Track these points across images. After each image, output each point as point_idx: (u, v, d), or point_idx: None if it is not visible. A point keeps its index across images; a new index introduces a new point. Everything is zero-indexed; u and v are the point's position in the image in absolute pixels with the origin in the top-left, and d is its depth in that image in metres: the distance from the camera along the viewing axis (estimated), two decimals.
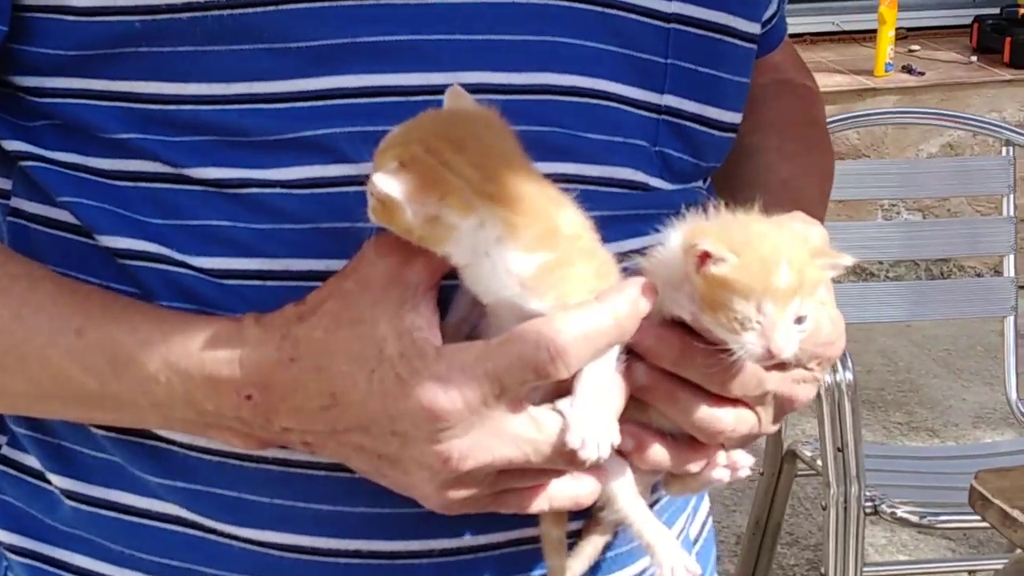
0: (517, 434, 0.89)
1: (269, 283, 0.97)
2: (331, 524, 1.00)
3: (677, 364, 0.93)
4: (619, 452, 0.94)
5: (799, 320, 0.90)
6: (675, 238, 0.94)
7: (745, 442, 1.00)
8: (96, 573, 1.06)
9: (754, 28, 1.12)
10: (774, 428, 1.01)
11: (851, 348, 5.41)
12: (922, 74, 5.73)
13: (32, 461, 1.07)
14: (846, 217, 5.39)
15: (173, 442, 1.00)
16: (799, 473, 3.31)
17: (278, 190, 0.97)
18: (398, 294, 0.89)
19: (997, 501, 1.98)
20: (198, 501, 1.02)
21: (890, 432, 4.63)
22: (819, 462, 2.95)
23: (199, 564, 1.03)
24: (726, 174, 1.19)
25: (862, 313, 3.59)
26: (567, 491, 0.94)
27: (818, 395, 2.86)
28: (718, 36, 1.09)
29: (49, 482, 1.06)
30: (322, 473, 0.99)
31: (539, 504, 0.94)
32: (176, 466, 1.01)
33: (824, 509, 2.90)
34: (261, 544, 1.01)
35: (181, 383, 0.92)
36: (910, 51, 6.00)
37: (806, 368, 0.98)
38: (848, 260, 0.94)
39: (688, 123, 1.08)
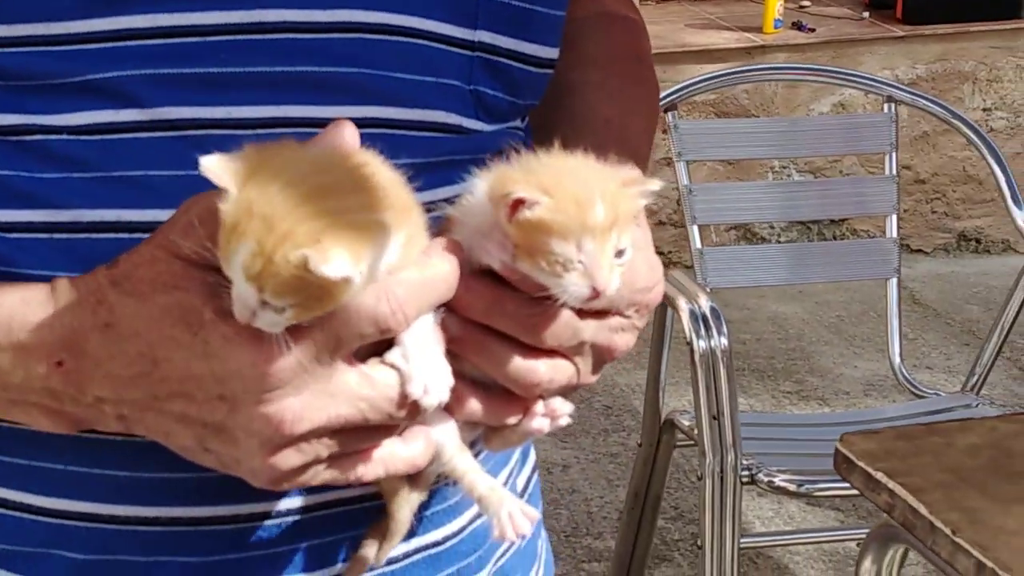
0: (352, 391, 0.88)
1: (57, 236, 0.95)
2: (129, 491, 0.99)
3: (488, 315, 0.94)
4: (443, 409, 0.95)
5: (619, 254, 0.91)
6: (481, 186, 0.94)
7: (564, 392, 0.99)
8: None
9: None
10: (593, 379, 1.01)
11: (741, 315, 5.54)
12: (813, 31, 5.78)
13: None
14: (735, 178, 5.46)
15: None
16: (680, 444, 3.33)
17: (65, 136, 0.95)
18: (210, 263, 0.87)
19: (861, 463, 1.99)
20: (8, 475, 1.00)
21: (779, 402, 4.68)
22: (696, 432, 2.97)
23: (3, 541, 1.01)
24: (545, 113, 1.19)
25: (749, 276, 3.67)
26: (401, 454, 0.93)
27: (692, 361, 2.89)
28: None
29: None
30: (118, 438, 0.96)
31: (374, 470, 0.93)
32: None
33: (700, 479, 2.93)
34: (55, 513, 0.99)
35: None
36: (801, 7, 6.08)
37: (624, 316, 0.98)
38: (656, 184, 0.95)
39: (503, 59, 1.08)
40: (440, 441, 0.96)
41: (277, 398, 0.86)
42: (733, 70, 3.69)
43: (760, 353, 5.09)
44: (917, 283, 5.64)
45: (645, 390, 3.49)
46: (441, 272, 0.90)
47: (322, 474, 0.91)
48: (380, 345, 0.90)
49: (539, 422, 0.98)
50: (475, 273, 0.93)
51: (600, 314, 0.96)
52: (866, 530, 3.31)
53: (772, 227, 5.75)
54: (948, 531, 1.84)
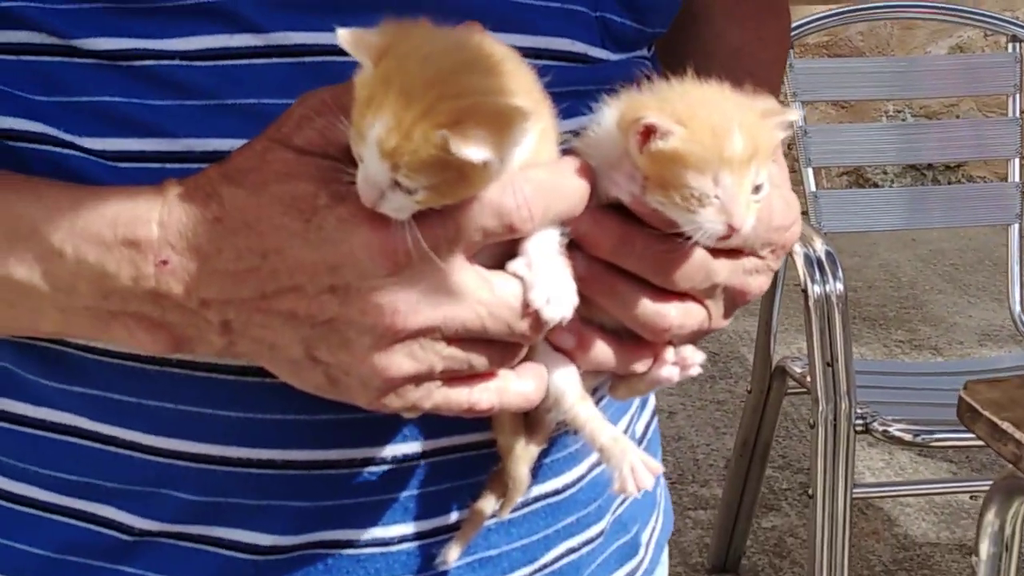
0: (471, 292, 0.86)
1: (169, 165, 0.93)
2: (242, 432, 0.98)
3: (616, 253, 0.91)
4: (561, 350, 0.93)
5: (756, 189, 0.88)
6: (609, 115, 0.91)
7: (695, 338, 0.97)
8: None
9: None
10: (725, 323, 0.99)
11: (852, 262, 5.48)
12: None
13: None
14: (848, 120, 5.40)
15: (68, 344, 0.97)
16: (790, 391, 3.31)
17: (177, 62, 0.93)
18: (320, 157, 0.86)
19: (986, 413, 1.96)
20: (97, 409, 0.99)
21: (891, 351, 4.64)
22: (809, 379, 2.94)
23: (100, 478, 1.00)
24: (671, 41, 1.17)
25: (862, 221, 3.62)
26: (515, 387, 0.91)
27: (806, 306, 2.86)
28: None
29: None
30: (231, 377, 0.96)
31: (488, 398, 0.90)
32: (72, 370, 0.98)
33: (812, 427, 2.90)
34: (166, 453, 0.98)
35: (90, 252, 0.88)
36: None
37: (758, 256, 0.96)
38: (796, 115, 0.93)
39: None
40: (561, 387, 0.94)
41: (392, 287, 0.84)
42: (847, 8, 3.59)
43: (872, 301, 5.05)
44: None
45: (756, 336, 3.45)
46: (573, 183, 0.88)
47: (435, 394, 0.88)
48: (503, 261, 0.88)
49: (668, 370, 0.96)
50: (603, 208, 0.90)
51: (733, 254, 0.93)
52: (981, 482, 3.30)
53: (885, 172, 5.67)
54: None
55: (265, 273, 0.86)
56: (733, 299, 0.97)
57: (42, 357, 0.99)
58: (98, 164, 0.93)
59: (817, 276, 2.85)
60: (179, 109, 0.94)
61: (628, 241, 0.91)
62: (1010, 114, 3.53)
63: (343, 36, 0.81)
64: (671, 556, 1.25)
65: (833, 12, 3.61)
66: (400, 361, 0.86)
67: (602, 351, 0.94)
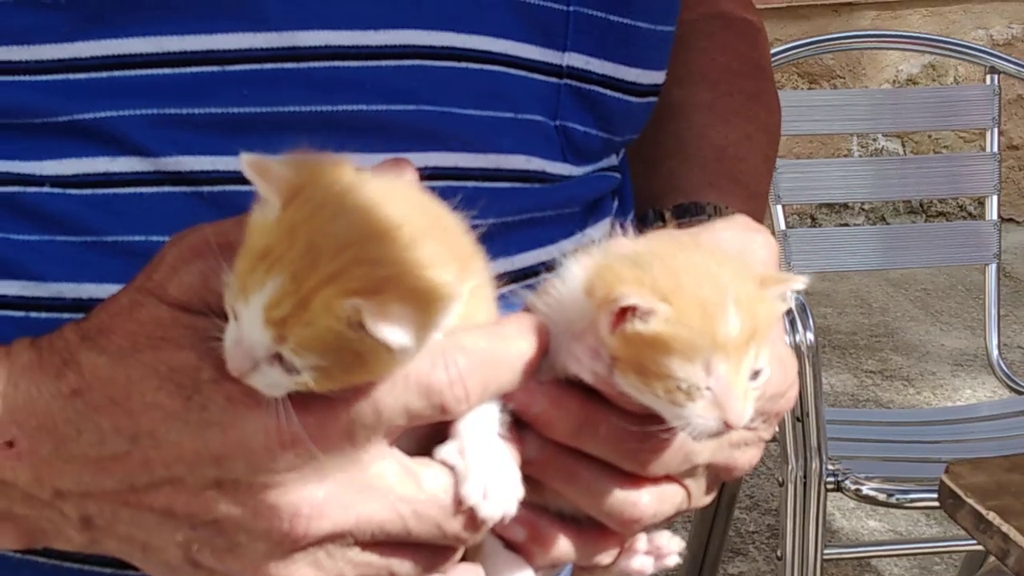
0: (391, 487, 0.78)
1: (33, 314, 0.88)
2: None
3: (576, 437, 0.83)
4: (511, 546, 0.87)
5: (755, 375, 0.80)
6: (576, 275, 0.83)
7: (671, 521, 0.90)
8: None
9: None
10: (707, 500, 0.92)
11: (822, 287, 5.47)
12: None
13: None
14: (818, 146, 5.43)
15: None
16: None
17: (47, 188, 0.88)
18: (206, 306, 0.79)
19: (970, 500, 1.88)
20: None
21: (862, 381, 4.69)
22: (777, 429, 2.87)
23: None
24: (645, 140, 1.11)
25: (835, 260, 3.60)
26: None
27: None
28: None
29: None
30: (108, 571, 0.90)
31: None
32: None
33: (781, 485, 2.86)
34: None
35: None
36: None
37: (749, 429, 0.88)
38: (802, 283, 0.85)
39: (596, 87, 1.01)
40: None
41: (292, 483, 0.77)
42: (819, 38, 3.62)
43: (842, 329, 5.10)
44: (1008, 255, 5.59)
45: None
46: (516, 350, 0.81)
47: None
48: (430, 445, 0.81)
49: (640, 561, 0.91)
50: (560, 382, 0.84)
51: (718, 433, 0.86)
52: (960, 542, 3.26)
53: (851, 205, 5.75)
54: None
55: (135, 461, 0.78)
56: (717, 475, 0.91)
57: None
58: None
59: (786, 326, 2.77)
60: (47, 246, 0.88)
61: (591, 424, 0.83)
62: (988, 148, 3.51)
63: (247, 162, 0.74)
64: None
65: (807, 41, 3.62)
66: (301, 571, 0.78)
67: (560, 544, 0.87)
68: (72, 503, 0.80)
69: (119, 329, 0.79)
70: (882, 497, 2.85)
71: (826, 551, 2.90)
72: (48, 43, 0.87)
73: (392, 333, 0.70)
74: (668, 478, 0.87)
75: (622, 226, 0.90)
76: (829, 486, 2.83)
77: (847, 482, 2.85)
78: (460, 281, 0.76)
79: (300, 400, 0.75)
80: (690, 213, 1.02)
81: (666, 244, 0.84)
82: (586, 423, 0.83)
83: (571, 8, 0.99)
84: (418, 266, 0.74)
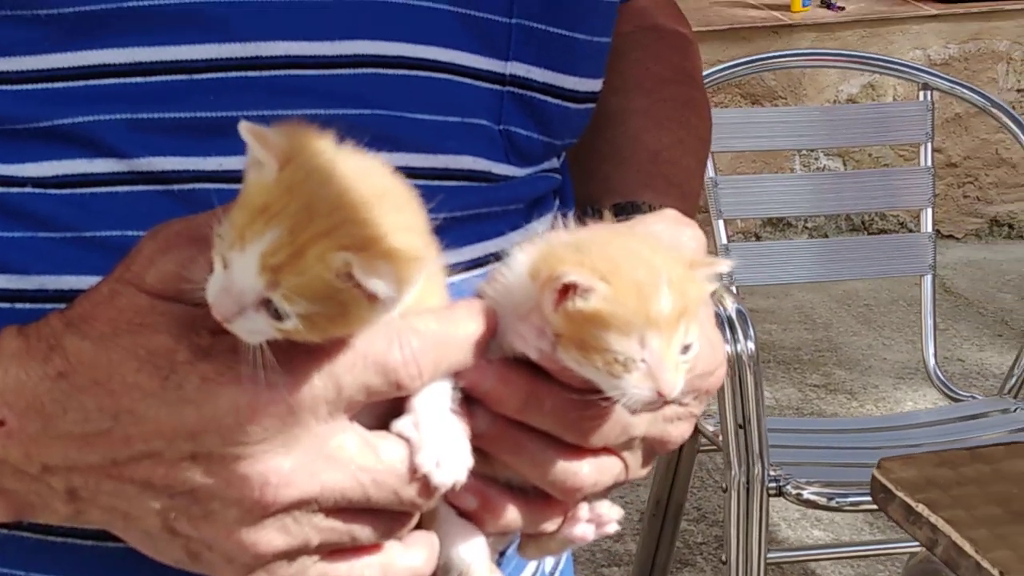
0: (351, 457, 0.81)
1: (17, 305, 0.90)
2: None
3: (523, 411, 0.87)
4: (464, 514, 0.90)
5: (685, 349, 0.84)
6: (521, 262, 0.87)
7: (610, 491, 0.94)
8: None
9: None
10: (644, 472, 0.95)
11: (767, 303, 5.50)
12: (842, 9, 5.80)
13: None
14: (760, 168, 5.44)
15: None
16: (703, 448, 3.30)
17: (29, 189, 0.90)
18: (180, 294, 0.82)
19: (900, 494, 1.92)
20: None
21: (806, 395, 4.68)
22: (721, 439, 2.92)
23: None
24: (583, 145, 1.13)
25: (775, 272, 3.63)
26: (403, 560, 0.87)
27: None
28: None
29: None
30: (89, 543, 0.91)
31: (368, 572, 0.86)
32: None
33: (725, 491, 2.88)
34: None
35: None
36: None
37: (680, 404, 0.91)
38: (726, 266, 0.89)
39: (537, 95, 1.03)
40: (467, 560, 0.90)
41: (261, 455, 0.79)
42: (758, 56, 3.67)
43: (786, 344, 5.10)
44: (948, 270, 5.65)
45: None
46: (466, 331, 0.85)
47: (310, 571, 0.83)
48: (387, 420, 0.84)
49: (582, 528, 0.93)
50: (507, 361, 0.87)
51: (654, 406, 0.89)
52: (899, 544, 3.29)
53: (799, 221, 5.76)
54: (997, 572, 1.77)
55: (117, 437, 0.80)
56: (652, 448, 0.93)
57: None
58: None
59: (728, 335, 2.81)
60: (30, 242, 0.90)
61: (536, 399, 0.86)
62: (922, 163, 3.55)
63: (247, 129, 0.77)
64: None
65: (746, 60, 3.65)
66: (270, 536, 0.81)
67: (509, 512, 0.89)
68: (59, 477, 0.82)
69: (101, 316, 0.82)
70: (822, 501, 2.88)
71: (769, 555, 2.92)
72: (29, 55, 0.89)
73: (378, 285, 0.74)
74: (607, 450, 0.90)
75: (564, 219, 0.92)
76: (771, 491, 2.86)
77: (788, 487, 2.88)
78: (429, 248, 0.81)
79: (268, 381, 0.78)
80: (627, 211, 1.04)
81: (603, 233, 0.88)
82: (532, 398, 0.86)
83: (513, 21, 1.01)
84: (399, 229, 0.78)
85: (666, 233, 0.94)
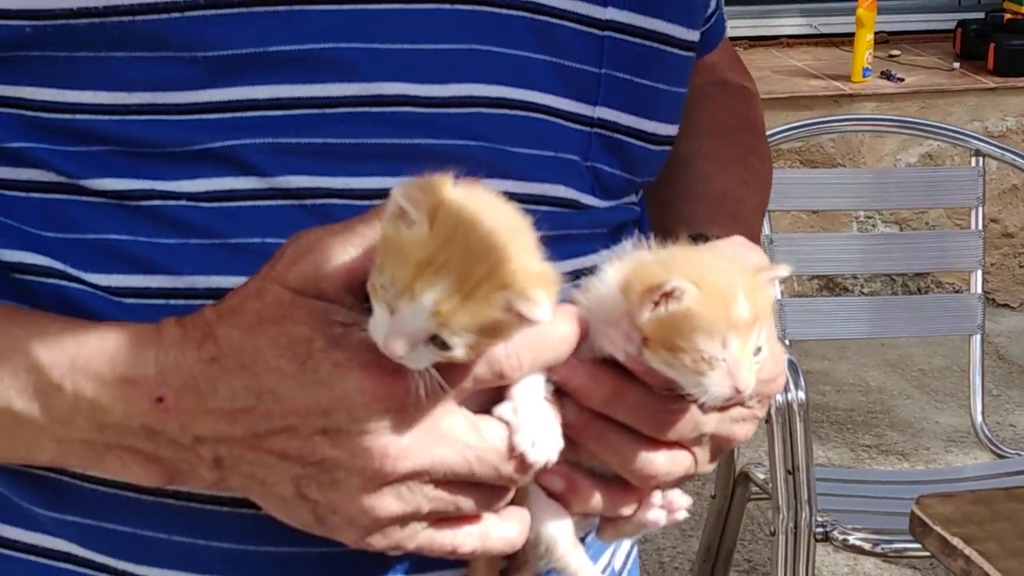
0: (459, 436, 0.87)
1: (173, 302, 0.94)
2: (234, 563, 0.98)
3: (608, 404, 0.92)
4: (552, 496, 0.94)
5: (757, 351, 0.89)
6: (612, 276, 0.92)
7: (681, 482, 0.98)
8: None
9: (693, 36, 1.11)
10: (710, 467, 1.00)
11: (822, 366, 5.46)
12: (901, 80, 5.73)
13: None
14: (819, 228, 5.41)
15: (64, 472, 0.97)
16: (754, 496, 3.30)
17: (183, 202, 0.94)
18: (312, 298, 0.87)
19: (937, 528, 1.96)
20: (92, 537, 0.99)
21: (858, 456, 4.62)
22: (771, 486, 2.95)
23: None
24: (659, 183, 1.17)
25: (828, 329, 3.63)
26: (498, 531, 0.91)
27: (769, 415, 2.86)
28: (655, 44, 1.07)
29: None
30: (224, 509, 0.96)
31: (471, 542, 0.91)
32: (68, 498, 0.98)
33: (773, 535, 2.90)
34: None
35: (88, 387, 0.88)
36: (890, 56, 6.01)
37: (748, 407, 0.97)
38: (785, 270, 0.94)
39: (622, 136, 1.07)
40: (554, 536, 0.94)
41: (382, 431, 0.84)
42: (818, 120, 3.66)
43: (840, 406, 5.04)
44: (1003, 338, 5.57)
45: None
46: (560, 331, 0.89)
47: (420, 535, 0.89)
48: (489, 406, 0.89)
49: (655, 514, 0.97)
50: (596, 361, 0.91)
51: (725, 406, 0.94)
52: None
53: (855, 277, 5.68)
54: None
55: (259, 413, 0.85)
56: (719, 445, 0.98)
57: (37, 484, 0.98)
58: (103, 299, 0.94)
59: (783, 391, 2.85)
60: (184, 248, 0.94)
61: (620, 395, 0.91)
62: (973, 226, 3.54)
63: (400, 195, 0.81)
64: None
65: (806, 123, 3.66)
66: (388, 503, 0.86)
67: (591, 495, 0.94)
68: (207, 447, 0.87)
69: (248, 309, 0.86)
70: (867, 547, 2.89)
71: None
72: (188, 90, 0.93)
73: (539, 312, 0.80)
74: (680, 444, 0.94)
75: (646, 240, 0.96)
76: (818, 536, 2.87)
77: (835, 532, 2.89)
78: (552, 277, 0.84)
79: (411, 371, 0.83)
80: (698, 242, 1.04)
81: (684, 251, 0.93)
82: (616, 394, 0.91)
83: (603, 71, 1.04)
84: (533, 257, 0.84)
85: (736, 253, 0.98)
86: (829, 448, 4.65)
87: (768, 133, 3.41)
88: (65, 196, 0.95)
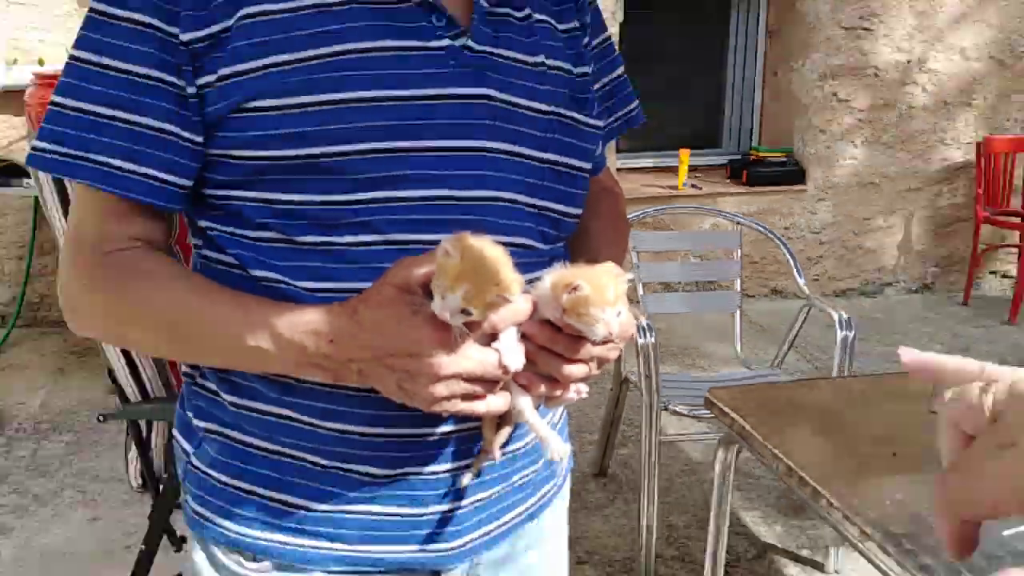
0: (475, 357, 0.83)
1: (339, 295, 0.89)
2: (370, 419, 0.92)
3: (547, 342, 0.87)
4: (523, 387, 0.89)
5: (619, 314, 0.86)
6: (547, 280, 0.88)
7: (585, 379, 0.92)
8: (245, 441, 0.97)
9: (588, 166, 1.04)
10: (598, 372, 0.93)
11: (666, 327, 5.20)
12: (700, 188, 5.64)
13: (212, 385, 0.99)
14: (664, 260, 5.34)
15: (290, 377, 0.92)
16: (632, 390, 3.24)
17: (343, 247, 0.89)
18: (406, 292, 0.82)
19: (718, 403, 1.97)
20: (301, 408, 0.94)
21: (683, 368, 4.51)
22: (639, 382, 2.90)
23: (300, 440, 0.95)
24: (575, 240, 1.10)
25: (663, 308, 3.48)
26: (495, 402, 0.87)
27: (637, 350, 2.85)
28: (570, 171, 1.01)
29: (221, 396, 0.98)
30: (363, 394, 0.90)
31: (483, 407, 0.86)
32: (291, 389, 0.93)
33: (641, 407, 2.86)
34: (334, 431, 0.93)
35: (296, 336, 0.85)
36: (695, 174, 5.92)
37: (614, 343, 0.92)
38: (630, 275, 0.89)
39: (556, 215, 1.00)
40: (523, 405, 0.91)
41: (437, 355, 0.81)
42: (661, 207, 3.61)
43: (674, 345, 4.95)
44: (752, 313, 5.48)
45: (613, 364, 3.40)
46: (524, 307, 0.86)
47: (458, 404, 0.84)
48: (489, 343, 0.85)
49: (571, 394, 0.92)
50: (542, 321, 0.87)
51: (605, 341, 0.91)
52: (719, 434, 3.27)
53: (679, 283, 5.66)
54: (760, 437, 1.81)
55: (380, 348, 0.83)
56: (601, 361, 0.94)
57: (274, 382, 0.95)
58: (305, 295, 0.91)
59: (644, 335, 2.85)
60: (343, 270, 0.89)
61: (554, 338, 0.88)
62: (736, 258, 3.42)
63: (446, 241, 0.79)
64: (573, 471, 1.21)
65: (656, 208, 3.58)
66: (440, 389, 0.83)
67: (540, 385, 0.91)
68: (355, 364, 0.84)
69: (373, 297, 0.83)
70: (686, 411, 2.86)
71: (661, 436, 2.86)
72: (345, 193, 0.87)
73: (513, 298, 0.80)
74: (582, 361, 0.89)
75: (565, 264, 0.91)
76: (661, 407, 2.85)
77: (669, 405, 2.89)
78: (520, 280, 0.82)
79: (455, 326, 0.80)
80: (591, 263, 0.96)
81: (582, 268, 0.88)
82: (551, 337, 0.87)
83: (545, 183, 0.97)
84: (511, 273, 0.81)
85: (609, 268, 0.91)
86: (668, 364, 4.58)
87: (639, 212, 3.45)
88: (286, 245, 0.90)
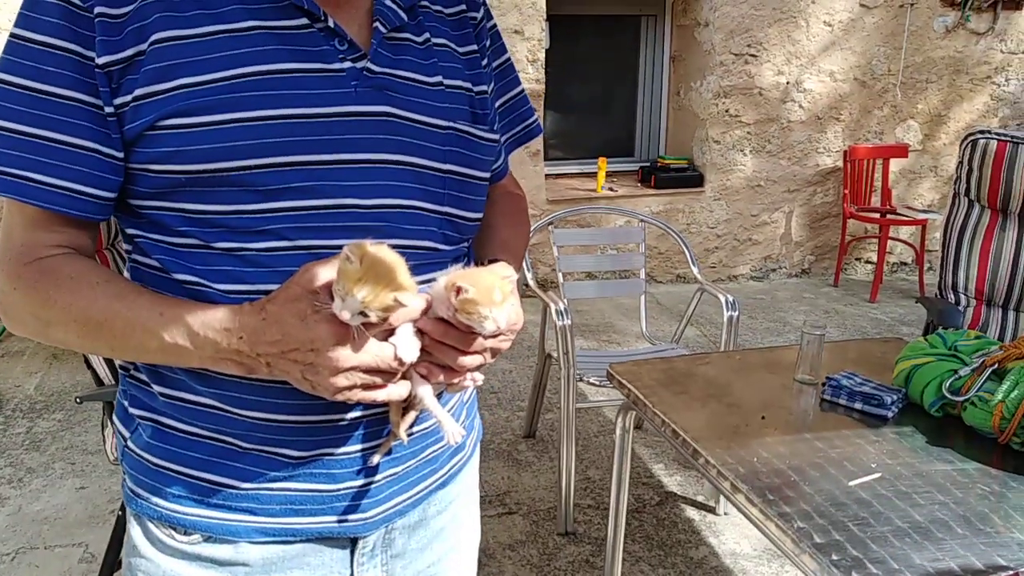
0: (373, 351, 0.80)
1: (252, 296, 0.85)
2: (286, 407, 0.89)
3: (441, 336, 0.85)
4: (423, 376, 0.86)
5: (508, 312, 0.84)
6: (442, 281, 0.85)
7: (479, 369, 0.88)
8: (174, 426, 0.94)
9: (487, 175, 1.00)
10: (492, 361, 0.89)
11: (585, 309, 5.17)
12: (616, 191, 5.62)
13: (144, 377, 0.95)
14: (584, 253, 5.32)
15: (208, 370, 0.88)
16: (554, 365, 3.21)
17: (255, 253, 0.85)
18: (310, 293, 0.79)
19: (617, 375, 1.97)
20: (223, 397, 0.90)
21: (598, 346, 4.48)
22: (559, 358, 2.88)
23: (224, 425, 0.91)
24: (480, 235, 1.06)
25: (584, 292, 3.44)
26: (395, 390, 0.84)
27: (556, 331, 2.82)
28: (469, 180, 0.97)
29: (152, 387, 0.94)
30: (279, 385, 0.88)
31: (383, 395, 0.83)
32: (213, 380, 0.89)
33: (560, 380, 2.84)
34: (253, 418, 0.90)
35: (210, 333, 0.81)
36: (612, 179, 5.92)
37: (505, 335, 0.89)
38: (516, 275, 0.88)
39: (456, 220, 0.97)
40: (423, 393, 0.89)
41: (338, 350, 0.78)
42: (581, 208, 3.58)
43: (591, 323, 4.94)
44: (658, 295, 5.51)
45: (538, 341, 3.40)
46: (419, 305, 0.84)
47: (359, 394, 0.82)
48: (386, 338, 0.82)
49: (468, 382, 0.89)
50: (437, 318, 0.85)
51: (495, 335, 0.89)
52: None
53: (600, 271, 5.64)
54: (650, 404, 1.80)
55: (283, 343, 0.80)
56: (494, 351, 0.91)
57: (199, 374, 0.91)
58: (221, 296, 0.87)
59: (562, 318, 2.82)
60: (254, 273, 0.86)
61: (447, 332, 0.85)
62: (640, 251, 3.40)
63: (348, 247, 0.76)
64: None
65: (576, 209, 3.50)
66: (340, 379, 0.80)
67: (439, 374, 0.88)
68: (263, 357, 0.81)
69: (279, 299, 0.80)
70: (596, 382, 2.82)
71: (578, 404, 2.84)
72: (255, 203, 0.83)
73: (408, 301, 0.77)
74: (476, 352, 0.87)
75: (463, 265, 0.91)
76: (577, 379, 2.82)
77: (584, 377, 2.85)
78: (414, 285, 0.80)
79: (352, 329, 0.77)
80: (489, 263, 0.97)
81: (474, 270, 0.86)
82: (445, 332, 0.84)
83: (445, 191, 0.94)
84: (407, 277, 0.79)
85: (502, 269, 0.90)
86: (584, 341, 4.56)
87: (563, 211, 3.41)
88: (204, 250, 0.86)
